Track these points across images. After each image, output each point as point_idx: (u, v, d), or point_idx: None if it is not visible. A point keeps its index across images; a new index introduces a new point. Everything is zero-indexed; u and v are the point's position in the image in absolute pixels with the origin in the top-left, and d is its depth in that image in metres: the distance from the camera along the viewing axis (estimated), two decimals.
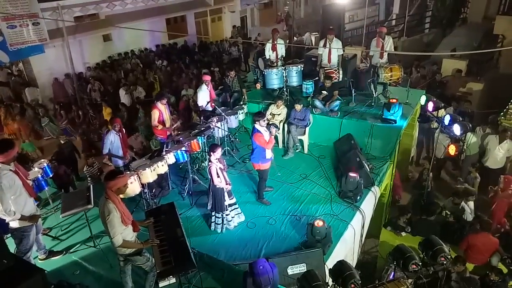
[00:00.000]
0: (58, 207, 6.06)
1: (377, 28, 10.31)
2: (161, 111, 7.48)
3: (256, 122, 6.20)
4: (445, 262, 4.66)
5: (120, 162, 7.11)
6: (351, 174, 6.38)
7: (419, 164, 10.32)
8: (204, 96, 8.26)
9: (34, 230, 4.87)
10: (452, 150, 7.63)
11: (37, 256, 5.32)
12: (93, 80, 13.89)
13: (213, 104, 8.29)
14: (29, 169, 5.82)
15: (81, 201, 5.31)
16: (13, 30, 12.33)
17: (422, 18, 20.76)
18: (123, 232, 4.07)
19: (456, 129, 6.96)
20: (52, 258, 5.37)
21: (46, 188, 6.10)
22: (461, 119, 7.25)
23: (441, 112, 8.63)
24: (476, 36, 15.72)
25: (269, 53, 9.21)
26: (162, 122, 7.55)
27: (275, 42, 9.04)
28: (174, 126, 7.81)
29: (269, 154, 6.26)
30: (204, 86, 8.25)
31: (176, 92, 12.85)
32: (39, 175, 5.83)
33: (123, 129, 7.23)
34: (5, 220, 4.47)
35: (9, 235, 4.71)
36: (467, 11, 19.66)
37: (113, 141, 6.94)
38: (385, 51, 8.62)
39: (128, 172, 5.90)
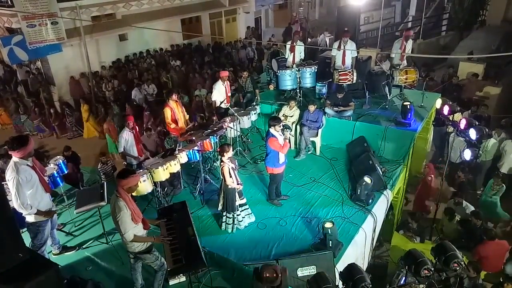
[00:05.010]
0: (72, 203, 6.16)
1: (393, 31, 10.25)
2: (172, 109, 7.48)
3: (271, 127, 6.15)
4: (458, 268, 4.58)
5: (134, 161, 7.16)
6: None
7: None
8: (218, 93, 8.25)
9: (49, 225, 4.95)
10: (467, 155, 7.49)
11: (51, 251, 5.41)
12: (106, 80, 14.07)
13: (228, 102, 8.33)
14: (45, 165, 5.93)
15: (94, 198, 5.39)
16: (33, 29, 12.57)
17: (439, 21, 20.46)
18: (133, 229, 4.10)
19: (472, 134, 6.84)
20: (66, 253, 5.46)
21: (61, 185, 6.20)
22: (477, 123, 7.12)
23: (457, 116, 8.49)
24: (495, 39, 15.42)
25: (287, 55, 9.21)
26: (175, 120, 7.56)
27: (294, 44, 9.03)
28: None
29: (282, 158, 6.22)
30: (220, 82, 8.27)
31: (189, 92, 12.93)
32: (55, 172, 5.94)
33: (136, 127, 7.27)
34: (21, 213, 4.55)
35: (25, 229, 4.79)
36: (486, 13, 19.30)
37: (127, 139, 6.98)
38: (406, 54, 8.57)
39: (141, 171, 5.97)
